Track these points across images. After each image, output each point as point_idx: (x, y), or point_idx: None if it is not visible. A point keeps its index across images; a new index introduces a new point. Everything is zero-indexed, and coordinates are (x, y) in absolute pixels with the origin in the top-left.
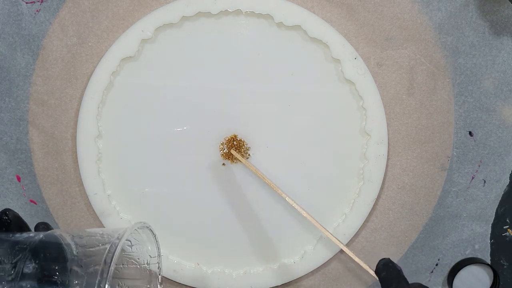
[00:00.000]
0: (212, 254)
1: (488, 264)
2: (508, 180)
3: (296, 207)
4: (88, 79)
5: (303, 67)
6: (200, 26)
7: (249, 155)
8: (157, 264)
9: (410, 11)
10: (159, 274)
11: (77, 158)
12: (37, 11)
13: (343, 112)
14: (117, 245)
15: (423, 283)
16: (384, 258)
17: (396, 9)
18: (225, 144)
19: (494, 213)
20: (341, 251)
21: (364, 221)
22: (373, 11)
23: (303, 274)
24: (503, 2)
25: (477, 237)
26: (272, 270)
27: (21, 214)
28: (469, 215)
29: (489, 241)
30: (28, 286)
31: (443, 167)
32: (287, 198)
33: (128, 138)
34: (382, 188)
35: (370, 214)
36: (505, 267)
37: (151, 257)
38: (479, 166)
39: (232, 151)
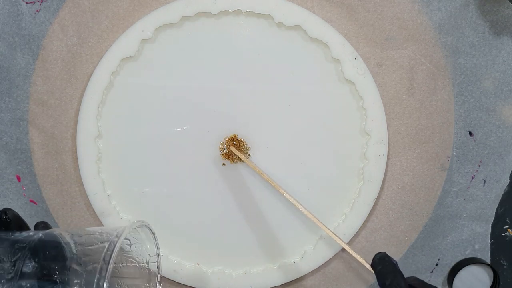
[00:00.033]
0: (212, 254)
1: (488, 264)
2: (508, 180)
3: (296, 204)
4: (88, 79)
5: (303, 67)
6: (200, 26)
7: (249, 155)
8: (156, 263)
9: (410, 11)
10: (158, 273)
11: (77, 158)
12: (37, 11)
13: (343, 112)
14: (116, 243)
15: None
16: (380, 252)
17: (396, 9)
18: (225, 144)
19: (494, 213)
20: (342, 250)
21: (364, 221)
22: (373, 11)
23: (303, 274)
24: (503, 2)
25: (477, 237)
26: (272, 270)
27: (21, 214)
28: (469, 215)
29: (489, 241)
30: (28, 284)
31: (443, 167)
32: (285, 194)
33: (128, 138)
34: (382, 188)
35: (370, 214)
36: (505, 267)
37: (150, 256)
38: (479, 166)
39: (232, 148)
